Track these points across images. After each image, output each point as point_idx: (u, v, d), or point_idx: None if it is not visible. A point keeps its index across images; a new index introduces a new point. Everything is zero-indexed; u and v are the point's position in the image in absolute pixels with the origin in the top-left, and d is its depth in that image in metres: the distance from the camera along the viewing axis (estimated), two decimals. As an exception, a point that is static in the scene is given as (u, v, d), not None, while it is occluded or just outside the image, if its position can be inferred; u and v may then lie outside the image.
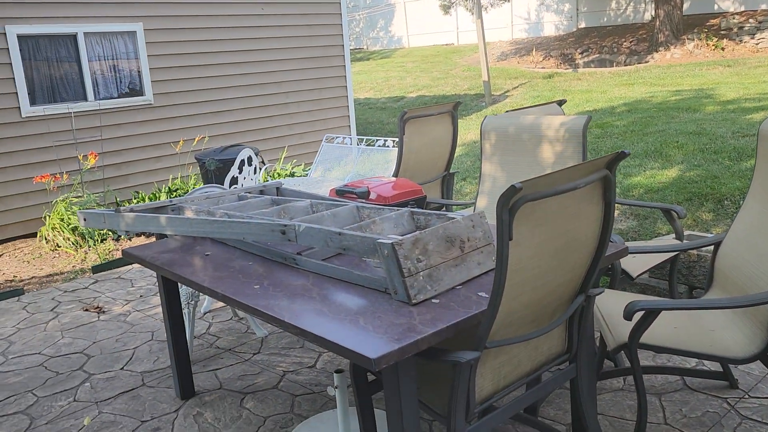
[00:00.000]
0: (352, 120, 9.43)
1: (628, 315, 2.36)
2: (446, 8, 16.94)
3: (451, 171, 4.95)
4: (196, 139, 7.40)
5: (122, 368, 3.63)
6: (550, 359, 2.34)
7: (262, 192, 3.63)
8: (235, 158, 6.40)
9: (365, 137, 6.07)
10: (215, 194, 3.38)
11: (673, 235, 4.14)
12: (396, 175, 4.49)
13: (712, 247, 2.99)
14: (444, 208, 4.64)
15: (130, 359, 3.74)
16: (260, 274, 2.61)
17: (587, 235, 2.19)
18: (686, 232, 4.23)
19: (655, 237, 4.41)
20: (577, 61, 16.06)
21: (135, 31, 7.10)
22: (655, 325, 2.62)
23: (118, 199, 6.75)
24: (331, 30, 9.05)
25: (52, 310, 4.69)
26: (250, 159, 4.34)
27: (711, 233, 4.44)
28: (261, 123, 8.27)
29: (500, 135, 3.46)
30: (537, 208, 1.92)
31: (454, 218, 2.45)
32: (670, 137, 6.83)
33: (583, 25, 18.30)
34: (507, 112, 3.82)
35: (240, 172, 4.23)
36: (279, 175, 7.63)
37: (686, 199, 4.88)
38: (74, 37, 6.67)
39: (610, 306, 2.74)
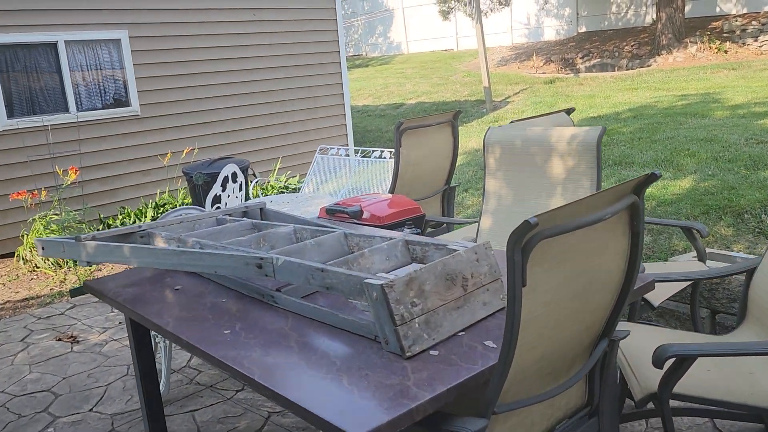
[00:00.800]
0: (349, 128, 9.11)
1: (658, 362, 2.03)
2: (445, 14, 16.65)
3: (452, 184, 4.63)
4: (185, 152, 7.08)
5: (91, 409, 3.30)
6: (568, 414, 2.01)
7: (245, 213, 3.31)
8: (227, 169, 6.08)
9: (361, 148, 5.75)
10: (191, 217, 3.05)
11: (693, 254, 3.81)
12: (392, 190, 4.17)
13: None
14: (445, 227, 4.31)
15: (101, 399, 3.40)
16: (233, 313, 2.28)
17: (612, 272, 1.86)
18: (707, 250, 3.90)
19: (672, 255, 4.08)
20: (578, 66, 15.76)
21: (120, 39, 6.79)
22: (686, 369, 2.29)
23: (101, 216, 6.43)
24: (327, 36, 8.75)
25: (22, 339, 4.36)
26: (234, 175, 4.02)
27: (732, 250, 4.10)
28: (254, 133, 7.95)
29: (505, 148, 3.14)
30: (555, 246, 1.60)
31: (455, 250, 2.12)
32: (681, 145, 6.50)
33: (583, 29, 18.02)
34: (512, 122, 3.50)
35: (223, 190, 3.90)
36: (272, 188, 7.31)
37: (703, 213, 4.55)
38: (54, 45, 6.37)
39: (634, 345, 2.41)
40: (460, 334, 1.91)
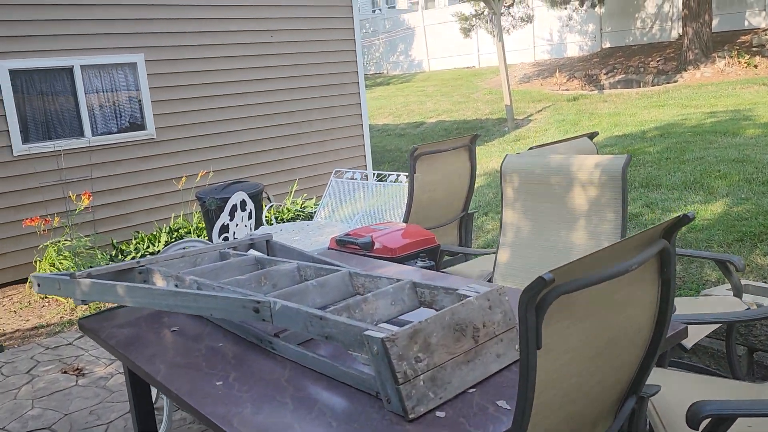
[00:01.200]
0: (367, 149, 8.99)
1: (692, 422, 1.82)
2: (467, 31, 16.52)
3: (470, 211, 4.44)
4: (200, 175, 7.00)
5: (90, 451, 3.16)
6: (592, 480, 1.81)
7: (252, 245, 3.16)
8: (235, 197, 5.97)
9: (376, 172, 5.60)
10: (193, 251, 2.91)
11: (727, 286, 3.57)
12: (407, 218, 4.00)
13: (787, 316, 2.43)
14: (462, 256, 4.13)
15: (101, 439, 3.26)
16: (229, 360, 2.12)
17: (640, 324, 1.67)
18: (742, 281, 3.66)
19: (705, 287, 3.84)
20: (602, 82, 15.50)
21: (136, 63, 6.76)
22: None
23: (114, 241, 6.35)
24: (345, 56, 8.66)
25: (28, 371, 4.25)
26: (243, 203, 3.89)
27: (770, 281, 3.85)
28: (270, 155, 7.86)
29: (524, 177, 2.96)
30: (574, 301, 1.41)
31: (465, 296, 1.94)
32: (711, 165, 6.24)
33: (607, 45, 17.77)
34: (531, 148, 3.32)
35: (231, 219, 3.77)
36: (288, 211, 7.19)
37: (737, 240, 4.30)
38: (70, 70, 6.35)
39: (666, 397, 2.19)
40: (470, 391, 1.73)
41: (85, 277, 2.62)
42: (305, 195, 7.91)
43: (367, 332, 1.69)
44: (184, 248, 3.13)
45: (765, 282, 3.81)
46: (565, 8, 16.70)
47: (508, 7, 14.63)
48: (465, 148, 4.21)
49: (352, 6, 8.65)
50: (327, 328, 1.85)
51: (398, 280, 2.16)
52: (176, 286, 2.55)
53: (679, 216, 1.60)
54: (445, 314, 1.77)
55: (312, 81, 8.27)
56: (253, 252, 3.21)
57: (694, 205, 5.12)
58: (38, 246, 5.98)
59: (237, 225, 3.81)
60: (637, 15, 16.99)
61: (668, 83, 13.86)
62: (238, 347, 2.23)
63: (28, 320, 5.26)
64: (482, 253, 3.59)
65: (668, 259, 1.64)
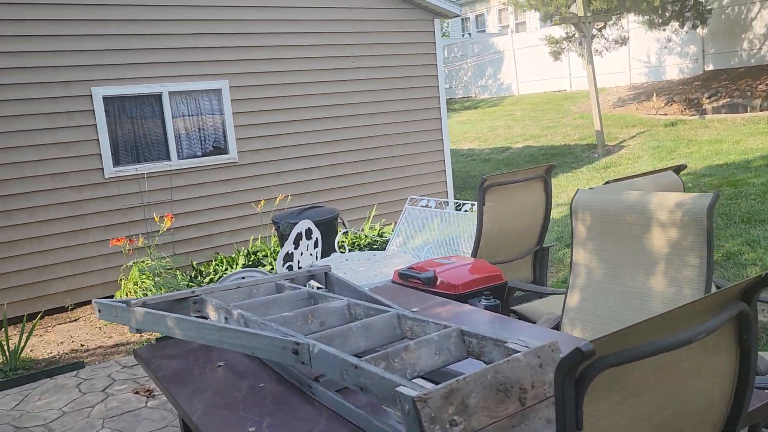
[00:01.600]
0: (448, 174, 8.84)
1: None
2: (556, 54, 16.10)
3: (545, 245, 4.21)
4: (278, 198, 7.09)
5: (145, 478, 3.16)
6: None
7: (312, 277, 3.09)
8: (321, 220, 5.97)
9: (450, 200, 5.44)
10: (249, 282, 2.87)
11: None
12: (475, 252, 3.83)
13: None
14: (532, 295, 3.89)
15: (157, 466, 3.26)
16: (267, 403, 2.04)
17: (713, 398, 1.44)
18: None
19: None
20: (704, 107, 14.63)
21: (220, 89, 6.97)
22: None
23: (194, 262, 6.51)
24: (427, 81, 8.59)
25: (103, 390, 4.37)
26: (309, 232, 3.84)
27: None
28: (350, 180, 7.87)
29: (597, 215, 2.73)
30: (626, 374, 1.22)
31: (513, 351, 1.76)
32: (824, 200, 5.66)
33: (710, 67, 16.81)
34: (607, 182, 3.08)
35: (296, 248, 3.73)
36: (365, 237, 7.14)
37: None
38: (159, 96, 6.62)
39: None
40: (513, 461, 1.55)
41: (140, 306, 2.62)
42: (383, 220, 7.85)
43: (399, 388, 1.55)
44: (242, 278, 3.10)
45: None
46: (664, 30, 15.95)
47: (600, 29, 14.13)
48: (540, 179, 4.00)
49: (434, 31, 8.60)
50: (362, 378, 1.73)
51: (445, 327, 2.00)
52: (225, 319, 2.51)
53: (759, 276, 1.37)
54: (486, 372, 1.60)
55: (393, 106, 8.25)
56: (313, 282, 3.14)
57: (801, 245, 4.64)
58: (123, 265, 6.21)
59: (302, 253, 3.77)
60: (743, 35, 15.98)
61: (778, 107, 12.88)
62: (279, 388, 2.15)
63: (111, 337, 5.44)
64: (552, 293, 3.36)
65: (748, 325, 1.41)
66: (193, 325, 2.36)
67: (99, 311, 2.82)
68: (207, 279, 6.05)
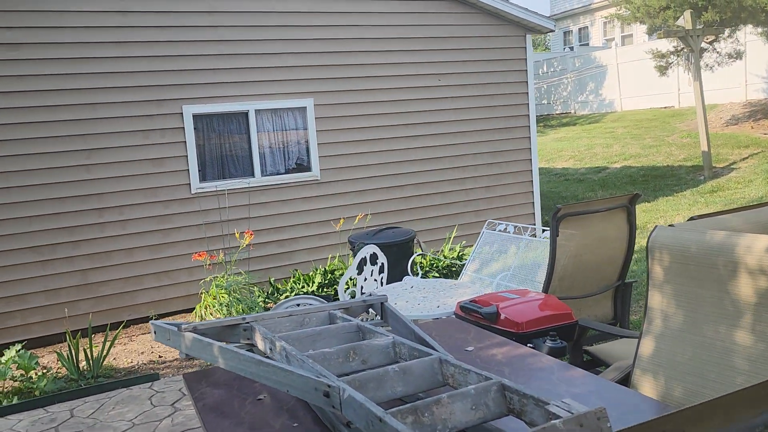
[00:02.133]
0: (536, 196, 8.51)
1: None
2: (662, 69, 15.25)
3: (627, 280, 3.89)
4: (358, 218, 7.06)
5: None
6: None
7: (370, 306, 2.98)
8: (396, 241, 5.88)
9: (535, 225, 5.19)
10: (301, 311, 2.80)
11: None
12: (547, 286, 3.59)
13: None
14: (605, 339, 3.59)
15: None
16: (295, 447, 1.93)
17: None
18: None
19: None
20: (829, 125, 13.37)
21: (305, 107, 7.05)
22: None
23: (272, 279, 6.58)
24: (516, 99, 8.33)
25: (173, 404, 4.45)
26: (374, 257, 3.74)
27: None
28: (431, 200, 7.73)
29: (676, 255, 2.45)
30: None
31: (555, 416, 1.56)
32: None
33: (838, 82, 15.38)
34: (692, 218, 2.78)
35: (359, 273, 3.64)
36: (445, 258, 6.97)
37: None
38: (245, 114, 6.77)
39: None
40: None
41: (190, 331, 2.61)
42: (463, 242, 7.64)
43: (415, 454, 1.40)
44: (298, 305, 3.04)
45: None
46: (785, 41, 14.75)
47: (711, 42, 13.25)
48: (622, 208, 3.70)
49: (525, 47, 8.33)
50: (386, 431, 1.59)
51: (486, 378, 1.82)
52: (270, 350, 2.45)
53: None
54: (516, 443, 1.41)
55: (480, 124, 8.05)
56: (372, 311, 3.03)
57: None
58: (203, 279, 6.37)
59: (365, 279, 3.67)
60: None
61: None
62: (313, 429, 2.04)
63: (185, 350, 5.56)
64: (628, 335, 3.07)
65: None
66: (234, 355, 2.30)
67: (154, 333, 2.84)
68: (283, 296, 6.09)
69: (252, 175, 6.81)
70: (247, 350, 2.54)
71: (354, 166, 7.30)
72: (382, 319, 2.92)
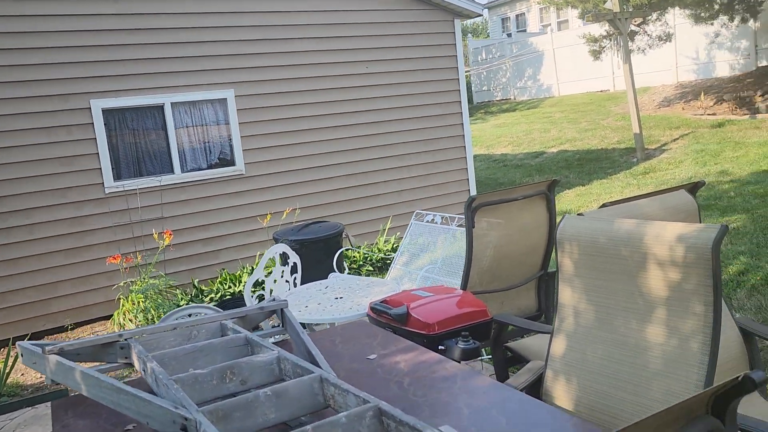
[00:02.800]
0: (471, 183, 8.39)
1: None
2: (596, 53, 15.38)
3: (550, 270, 3.75)
4: (286, 212, 6.78)
5: None
6: None
7: (273, 313, 2.73)
8: (322, 236, 5.64)
9: (458, 215, 5.03)
10: (188, 323, 2.53)
11: None
12: (465, 281, 3.41)
13: None
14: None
15: None
16: (156, 488, 1.68)
17: None
18: None
19: None
20: (756, 105, 13.72)
21: (226, 99, 6.71)
22: None
23: (194, 281, 6.25)
24: (447, 86, 8.17)
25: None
26: (284, 257, 3.49)
27: None
28: (363, 191, 7.51)
29: (585, 247, 2.29)
30: None
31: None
32: None
33: (764, 63, 15.82)
34: (604, 205, 2.63)
35: (268, 275, 3.38)
36: (379, 251, 6.77)
37: None
38: (161, 108, 6.39)
39: None
40: None
41: (55, 353, 2.31)
42: (398, 234, 7.46)
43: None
44: (190, 315, 2.77)
45: None
46: (712, 24, 15.07)
47: (639, 25, 13.40)
48: (541, 196, 3.55)
49: (455, 33, 8.17)
50: (237, 478, 1.35)
51: (365, 401, 1.60)
52: (143, 371, 2.18)
53: (736, 378, 0.94)
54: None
55: (411, 112, 7.85)
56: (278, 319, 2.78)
57: None
58: (117, 284, 5.99)
59: (275, 281, 3.42)
60: (800, 28, 14.97)
61: (838, 105, 11.94)
62: (180, 465, 1.79)
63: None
64: (544, 330, 2.91)
65: (721, 449, 0.97)
66: (95, 381, 2.03)
67: (21, 356, 2.53)
68: (208, 297, 5.78)
69: (171, 171, 6.45)
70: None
71: (281, 158, 7.01)
72: (283, 326, 2.69)
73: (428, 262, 4.98)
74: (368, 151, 7.55)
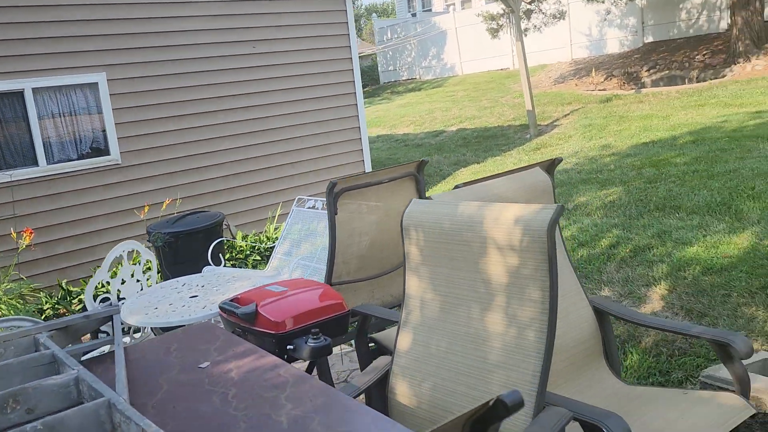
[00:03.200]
0: (366, 165, 8.24)
1: None
2: (494, 32, 15.55)
3: (424, 253, 3.63)
4: (165, 203, 6.40)
5: None
6: None
7: (103, 321, 2.46)
8: (199, 227, 5.32)
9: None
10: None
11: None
12: (329, 272, 3.24)
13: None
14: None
15: None
16: None
17: None
18: (760, 353, 2.75)
19: (714, 364, 2.94)
20: (643, 80, 14.31)
21: (97, 83, 6.21)
22: None
23: (63, 282, 5.78)
24: (339, 65, 7.94)
25: None
26: (132, 255, 3.20)
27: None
28: (250, 177, 7.20)
29: (431, 233, 2.16)
30: None
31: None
32: (744, 181, 5.22)
33: (650, 39, 16.51)
34: (456, 187, 2.51)
35: (113, 276, 3.09)
36: (268, 239, 6.52)
37: (763, 287, 3.36)
38: (21, 93, 5.84)
39: None
40: None
41: None
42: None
43: None
44: (10, 327, 2.46)
45: (795, 351, 2.87)
46: (602, 2, 15.55)
47: (531, 2, 13.63)
48: (410, 177, 3.42)
49: (346, 10, 7.94)
50: None
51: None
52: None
53: (488, 403, 0.80)
54: None
55: (301, 94, 7.59)
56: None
57: (716, 236, 4.16)
58: (-25, 289, 5.47)
59: (123, 282, 3.13)
60: (681, 5, 15.69)
61: (715, 78, 12.60)
62: None
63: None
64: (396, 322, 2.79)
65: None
66: None
67: None
68: (77, 299, 5.35)
69: (34, 164, 5.92)
70: None
71: (161, 146, 6.59)
72: (112, 336, 2.42)
73: (307, 251, 4.79)
74: (256, 136, 7.24)
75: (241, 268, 6.12)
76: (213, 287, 3.29)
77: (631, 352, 3.23)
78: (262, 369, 2.11)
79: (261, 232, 6.93)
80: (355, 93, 8.13)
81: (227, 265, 6.10)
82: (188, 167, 6.75)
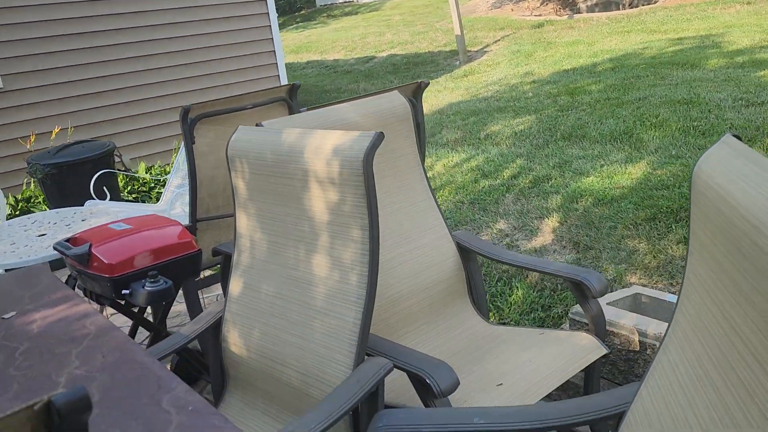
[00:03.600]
0: (283, 92, 7.83)
1: None
2: (430, -49, 14.96)
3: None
4: (54, 132, 5.93)
5: None
6: None
7: None
8: (85, 158, 4.94)
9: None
10: None
11: (610, 300, 2.61)
12: (193, 208, 2.98)
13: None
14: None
15: None
16: None
17: None
18: (634, 287, 2.67)
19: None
20: (578, 6, 14.05)
21: (-34, -2, 5.58)
22: None
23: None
24: (250, -17, 7.41)
25: None
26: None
27: (671, 293, 2.84)
28: (154, 104, 6.75)
29: (255, 165, 1.92)
30: None
31: None
32: (651, 109, 5.13)
33: (588, -37, 16.14)
34: (306, 109, 2.27)
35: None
36: (165, 172, 6.16)
37: (648, 218, 3.28)
38: None
39: None
40: None
41: None
42: (197, 150, 6.83)
43: None
44: None
45: (670, 286, 2.81)
46: None
47: None
48: (280, 103, 3.15)
49: None
50: None
51: None
52: None
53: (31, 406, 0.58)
54: None
55: (207, 13, 7.06)
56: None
57: (613, 166, 4.07)
58: None
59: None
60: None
61: (649, 4, 12.45)
62: None
63: None
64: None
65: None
66: None
67: None
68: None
69: None
70: None
71: (50, 68, 6.05)
72: None
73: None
74: (158, 59, 6.74)
75: (144, 202, 5.78)
76: (65, 225, 3.00)
77: (517, 287, 3.13)
78: (68, 320, 1.88)
79: (167, 164, 6.56)
80: (268, 13, 7.64)
81: (128, 198, 5.75)
82: (81, 92, 6.25)
